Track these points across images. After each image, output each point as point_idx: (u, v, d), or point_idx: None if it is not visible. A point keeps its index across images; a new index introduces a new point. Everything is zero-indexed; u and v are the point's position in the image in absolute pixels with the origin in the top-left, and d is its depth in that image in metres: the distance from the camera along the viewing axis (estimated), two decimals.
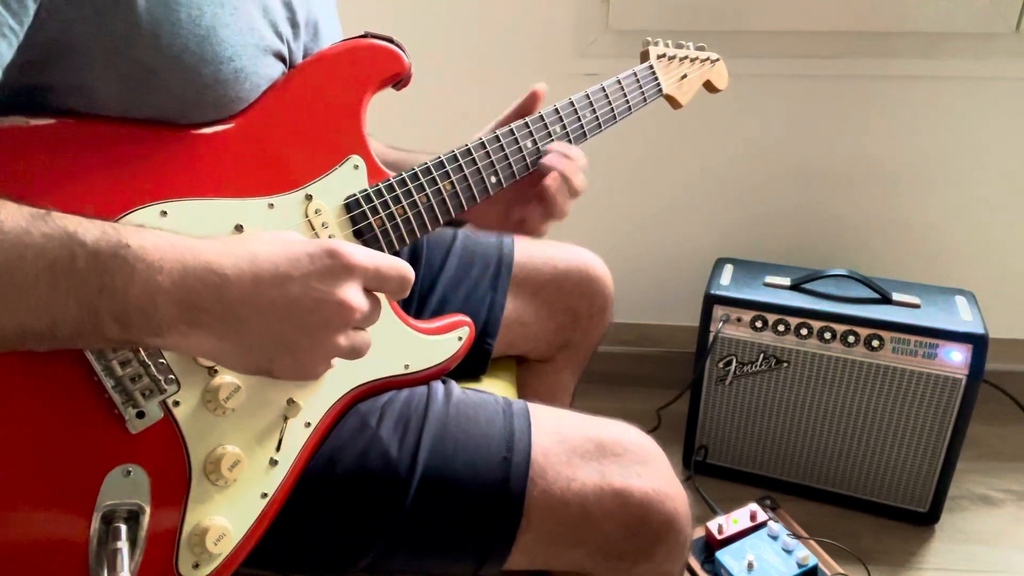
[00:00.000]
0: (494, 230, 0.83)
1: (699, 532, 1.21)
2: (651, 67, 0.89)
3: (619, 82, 0.85)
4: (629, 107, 0.86)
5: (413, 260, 0.90)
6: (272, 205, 0.64)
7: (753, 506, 1.23)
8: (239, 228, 0.62)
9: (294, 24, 0.67)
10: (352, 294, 0.55)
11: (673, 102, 0.93)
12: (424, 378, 0.74)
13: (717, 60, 0.98)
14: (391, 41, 0.70)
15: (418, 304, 0.88)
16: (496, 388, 0.91)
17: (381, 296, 0.59)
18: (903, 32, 1.48)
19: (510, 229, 0.82)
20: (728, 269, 1.44)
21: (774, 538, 1.18)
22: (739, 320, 1.35)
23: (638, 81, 0.87)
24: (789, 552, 1.16)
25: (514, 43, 1.54)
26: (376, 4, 1.48)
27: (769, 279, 1.39)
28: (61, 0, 0.52)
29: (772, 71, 1.52)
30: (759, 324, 1.34)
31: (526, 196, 0.78)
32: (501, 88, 1.54)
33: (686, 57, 0.94)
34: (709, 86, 0.98)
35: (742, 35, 1.50)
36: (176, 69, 0.57)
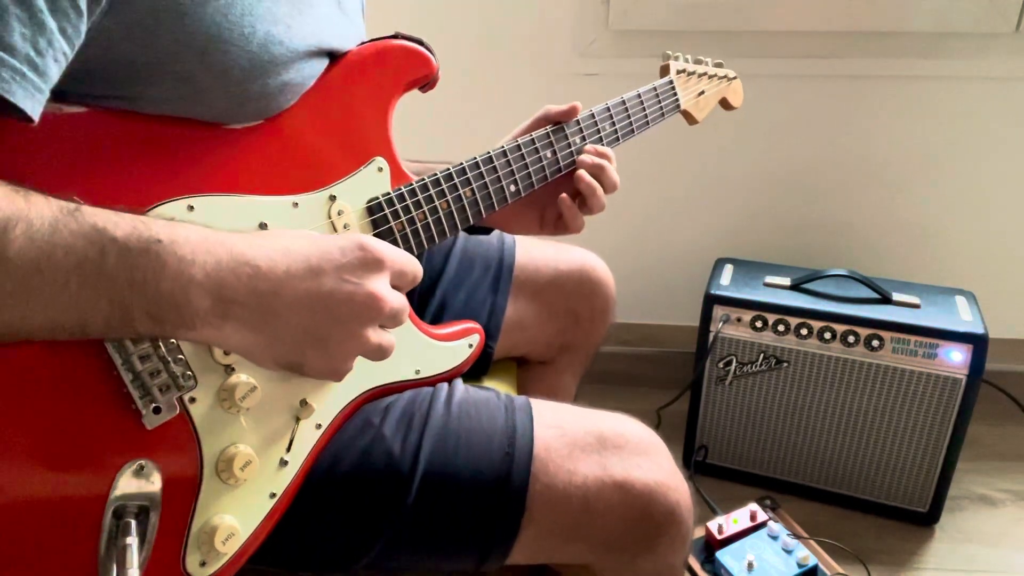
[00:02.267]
0: (531, 233, 0.85)
1: (699, 532, 1.21)
2: (671, 82, 0.90)
3: (639, 96, 0.86)
4: (647, 121, 0.87)
5: None
6: (296, 204, 0.64)
7: (753, 506, 1.23)
8: (263, 226, 0.61)
9: (348, 26, 0.67)
10: (382, 287, 0.56)
11: (689, 118, 0.94)
12: (432, 383, 0.74)
13: (735, 78, 0.99)
14: (421, 43, 0.71)
15: (418, 306, 0.88)
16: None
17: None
18: (903, 32, 1.48)
19: (549, 230, 0.83)
20: (728, 269, 1.44)
21: (774, 538, 1.18)
22: (739, 320, 1.35)
23: (658, 96, 0.88)
24: (789, 552, 1.16)
25: (514, 43, 1.54)
26: (376, 4, 1.48)
27: (769, 279, 1.39)
28: (111, 22, 0.51)
29: (772, 71, 1.52)
30: (759, 324, 1.34)
31: (560, 195, 0.79)
32: (501, 88, 1.55)
33: (704, 73, 0.95)
34: (725, 103, 0.99)
35: (742, 35, 1.50)
36: (222, 83, 0.57)
